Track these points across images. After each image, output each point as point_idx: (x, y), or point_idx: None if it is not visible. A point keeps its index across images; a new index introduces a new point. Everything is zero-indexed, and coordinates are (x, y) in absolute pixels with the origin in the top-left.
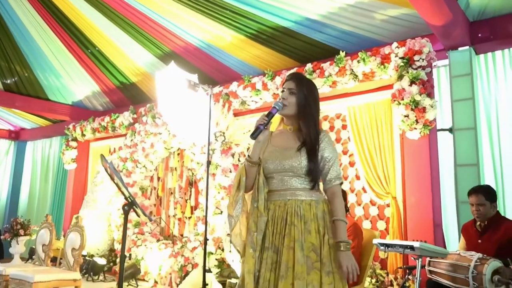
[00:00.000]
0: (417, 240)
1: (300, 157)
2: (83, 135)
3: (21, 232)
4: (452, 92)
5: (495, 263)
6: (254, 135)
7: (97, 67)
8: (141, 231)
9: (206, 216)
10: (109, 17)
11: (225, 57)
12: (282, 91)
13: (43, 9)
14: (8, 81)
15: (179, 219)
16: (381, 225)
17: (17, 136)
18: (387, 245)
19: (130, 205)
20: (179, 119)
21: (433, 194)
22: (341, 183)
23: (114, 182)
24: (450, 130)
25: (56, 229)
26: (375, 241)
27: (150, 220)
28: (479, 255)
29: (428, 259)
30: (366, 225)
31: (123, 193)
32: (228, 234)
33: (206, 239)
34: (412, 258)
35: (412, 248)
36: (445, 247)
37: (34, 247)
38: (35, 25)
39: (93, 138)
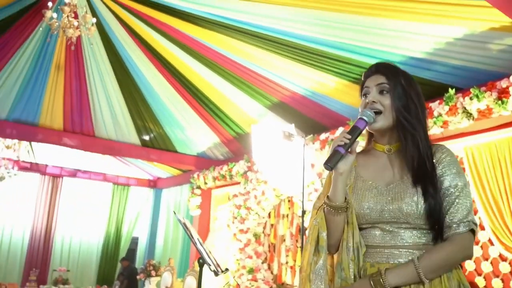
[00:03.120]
0: None
1: (417, 196)
2: (205, 183)
3: (153, 273)
4: None
5: None
6: (330, 163)
7: (215, 120)
8: (255, 278)
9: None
10: (222, 75)
11: (330, 102)
12: (365, 95)
13: (168, 73)
14: (146, 138)
15: (291, 267)
16: None
17: (155, 184)
18: None
19: (203, 259)
20: (276, 168)
21: None
22: (473, 230)
23: (190, 237)
24: None
25: (184, 271)
26: None
27: (216, 274)
28: None
29: None
30: (496, 284)
31: (197, 248)
32: None
33: None
34: None
35: None
36: None
37: None
38: (162, 88)
39: (214, 186)
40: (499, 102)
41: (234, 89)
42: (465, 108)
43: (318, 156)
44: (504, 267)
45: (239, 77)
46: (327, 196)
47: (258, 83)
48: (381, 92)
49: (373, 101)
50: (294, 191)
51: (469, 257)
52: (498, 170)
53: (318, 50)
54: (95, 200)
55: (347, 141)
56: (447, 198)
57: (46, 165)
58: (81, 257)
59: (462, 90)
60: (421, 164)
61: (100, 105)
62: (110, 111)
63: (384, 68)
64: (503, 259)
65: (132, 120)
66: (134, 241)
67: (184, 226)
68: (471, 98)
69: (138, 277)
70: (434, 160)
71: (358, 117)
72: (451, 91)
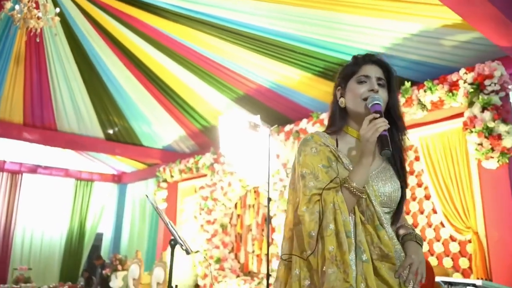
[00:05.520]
0: (481, 278)
1: (397, 183)
2: (171, 176)
3: (119, 267)
4: None
5: None
6: (389, 147)
7: (181, 113)
8: (222, 267)
9: (268, 253)
10: (188, 68)
11: (295, 95)
12: (362, 82)
13: (133, 66)
14: (110, 131)
15: (257, 256)
16: (463, 262)
17: (119, 179)
18: (450, 283)
19: (174, 240)
20: (243, 159)
21: None
22: None
23: (162, 219)
24: None
25: (151, 264)
26: (438, 278)
27: (188, 253)
28: None
29: None
30: (446, 263)
31: (169, 229)
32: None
33: (268, 275)
34: None
35: (474, 286)
36: None
37: None
38: (127, 81)
39: (181, 179)
40: (450, 94)
41: (200, 82)
42: (419, 100)
43: (282, 147)
44: (454, 247)
45: (205, 70)
46: (349, 178)
47: (223, 76)
48: (380, 85)
49: (373, 89)
50: (260, 182)
51: None
52: (449, 158)
53: (283, 43)
54: (57, 197)
55: (388, 125)
56: None
57: (4, 161)
58: (42, 255)
59: (417, 83)
60: (402, 157)
61: (63, 98)
62: (72, 105)
63: (383, 63)
64: (453, 239)
65: (96, 114)
66: (99, 237)
67: (157, 209)
68: (425, 91)
69: (104, 272)
70: None
71: (373, 102)
72: (407, 84)
